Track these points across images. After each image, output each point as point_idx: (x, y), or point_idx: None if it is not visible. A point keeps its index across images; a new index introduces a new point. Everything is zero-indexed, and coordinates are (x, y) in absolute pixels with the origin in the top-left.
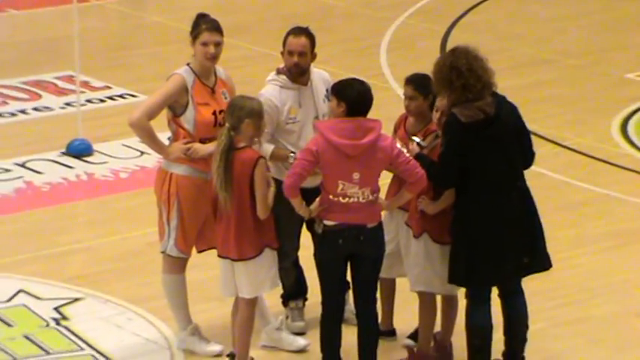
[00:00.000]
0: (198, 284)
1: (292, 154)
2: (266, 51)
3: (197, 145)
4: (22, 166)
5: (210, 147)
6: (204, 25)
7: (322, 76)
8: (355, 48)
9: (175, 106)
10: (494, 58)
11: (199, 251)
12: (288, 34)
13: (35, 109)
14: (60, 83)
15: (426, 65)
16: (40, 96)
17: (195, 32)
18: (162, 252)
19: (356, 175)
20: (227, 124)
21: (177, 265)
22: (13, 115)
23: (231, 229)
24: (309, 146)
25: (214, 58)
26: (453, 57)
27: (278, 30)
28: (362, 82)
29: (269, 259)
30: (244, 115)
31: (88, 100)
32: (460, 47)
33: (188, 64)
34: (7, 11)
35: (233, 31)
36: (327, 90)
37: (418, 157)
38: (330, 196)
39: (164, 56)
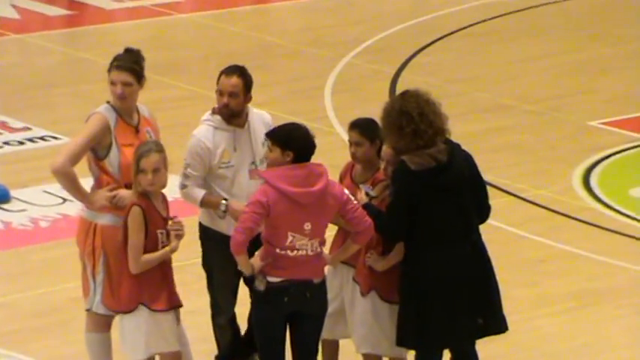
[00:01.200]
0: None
1: (224, 202)
2: (203, 91)
3: (123, 192)
4: None
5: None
6: (115, 62)
7: (263, 118)
8: (298, 89)
9: (97, 148)
10: (447, 102)
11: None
12: (222, 72)
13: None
14: None
15: (374, 108)
16: None
17: (108, 69)
18: (88, 310)
19: (307, 226)
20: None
21: (102, 322)
22: None
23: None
24: (257, 198)
25: (123, 97)
26: (403, 100)
27: (216, 69)
28: (302, 127)
29: (142, 319)
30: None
31: (6, 143)
32: (410, 91)
33: (108, 102)
34: None
35: (168, 70)
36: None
37: (366, 207)
38: (277, 250)
39: (90, 95)
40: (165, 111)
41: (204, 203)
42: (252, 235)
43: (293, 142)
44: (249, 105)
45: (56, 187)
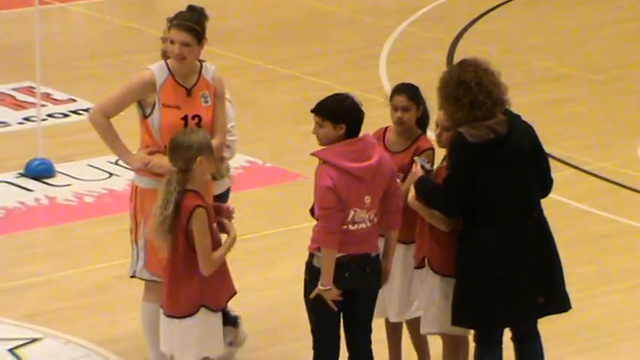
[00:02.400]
0: None
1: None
2: (253, 61)
3: (158, 159)
4: None
5: None
6: (175, 20)
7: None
8: (352, 59)
9: (144, 105)
10: (506, 72)
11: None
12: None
13: None
14: (18, 95)
15: (431, 79)
16: None
17: (168, 26)
18: (132, 276)
19: (367, 199)
20: (172, 168)
21: (153, 290)
22: None
23: (166, 280)
24: (324, 184)
25: (181, 58)
26: (460, 70)
27: (267, 38)
28: (349, 96)
29: (204, 321)
30: (194, 153)
31: (50, 115)
32: (468, 60)
33: (166, 60)
34: None
35: (218, 39)
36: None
37: (422, 180)
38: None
39: (136, 66)
40: None
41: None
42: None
43: (344, 114)
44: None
45: (102, 161)
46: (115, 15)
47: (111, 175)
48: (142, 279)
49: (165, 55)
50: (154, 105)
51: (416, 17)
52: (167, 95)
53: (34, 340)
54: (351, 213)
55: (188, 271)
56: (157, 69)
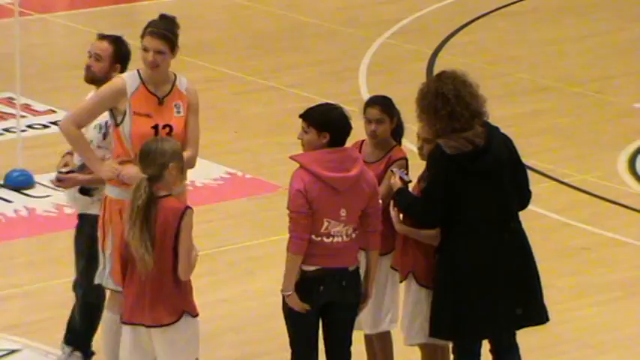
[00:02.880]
0: None
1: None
2: (232, 73)
3: (129, 169)
4: None
5: None
6: (149, 28)
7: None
8: (332, 70)
9: (115, 113)
10: (486, 84)
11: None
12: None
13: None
14: None
15: (411, 91)
16: None
17: (141, 34)
18: (98, 284)
19: (343, 212)
20: (142, 175)
21: (116, 300)
22: None
23: (147, 291)
24: (295, 187)
25: (154, 66)
26: (439, 82)
27: (247, 50)
28: (338, 107)
29: (189, 327)
30: (168, 160)
31: (30, 126)
32: (447, 72)
33: (138, 69)
34: None
35: (195, 50)
36: (106, 122)
37: (400, 192)
38: (313, 237)
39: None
40: None
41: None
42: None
43: (329, 123)
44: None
45: None
46: (94, 26)
47: None
48: (107, 288)
49: (88, 70)
50: (124, 113)
51: (396, 29)
52: (138, 103)
53: (12, 352)
54: (325, 223)
55: (174, 278)
56: (128, 77)
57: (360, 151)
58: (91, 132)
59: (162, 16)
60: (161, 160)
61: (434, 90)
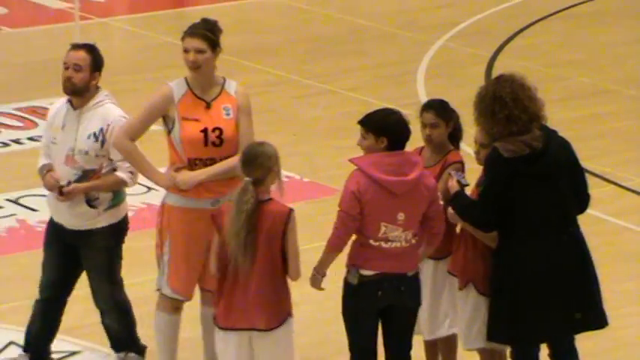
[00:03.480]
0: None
1: (64, 184)
2: (291, 76)
3: (183, 176)
4: (15, 202)
5: (200, 175)
6: (187, 29)
7: (107, 115)
8: (390, 74)
9: (166, 121)
10: (546, 88)
11: (204, 290)
12: (70, 47)
13: (30, 138)
14: None
15: (469, 94)
16: (35, 124)
17: (182, 37)
18: (157, 290)
19: (401, 216)
20: (247, 179)
21: (171, 304)
22: (5, 145)
23: (255, 295)
24: (349, 187)
25: (196, 66)
26: (497, 85)
27: (306, 53)
28: (396, 112)
29: (290, 328)
30: (273, 163)
31: None
32: (505, 75)
33: (185, 77)
34: (1, 29)
35: (255, 54)
36: (101, 129)
37: (457, 195)
38: (371, 241)
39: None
40: (252, 97)
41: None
42: (350, 235)
43: (387, 127)
44: (106, 98)
45: (140, 176)
46: (154, 30)
47: (149, 189)
48: (164, 295)
49: (69, 81)
50: (174, 120)
51: (455, 32)
52: (185, 108)
53: (73, 354)
54: (382, 228)
55: (282, 280)
56: (175, 84)
57: (419, 155)
58: (84, 142)
59: (204, 20)
60: (267, 164)
61: (491, 93)
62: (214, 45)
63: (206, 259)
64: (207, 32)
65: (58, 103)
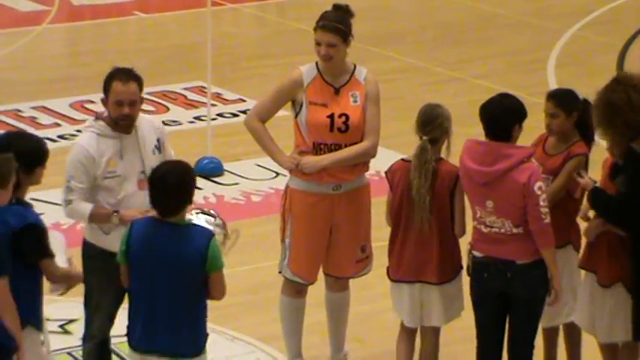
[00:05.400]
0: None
1: (116, 214)
2: (419, 63)
3: (307, 160)
4: None
5: (323, 160)
6: (320, 21)
7: (153, 123)
8: (520, 62)
9: (295, 104)
10: None
11: (326, 274)
12: (112, 78)
13: (162, 122)
14: (189, 95)
15: (600, 83)
16: (167, 108)
17: (314, 27)
18: (279, 272)
19: (489, 204)
20: (425, 137)
21: (293, 287)
22: None
23: (433, 249)
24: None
25: (328, 59)
26: (609, 91)
27: (434, 40)
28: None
29: (461, 282)
30: (449, 124)
31: (220, 115)
32: (620, 77)
33: (317, 61)
34: (134, 14)
35: (384, 40)
36: (157, 140)
37: (594, 191)
38: (475, 223)
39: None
40: (380, 84)
41: (93, 217)
42: None
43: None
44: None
45: (269, 161)
46: (284, 16)
47: (277, 174)
48: (285, 277)
49: (128, 119)
50: (302, 104)
51: (587, 20)
52: (314, 93)
53: None
54: (477, 212)
55: (454, 235)
56: (306, 69)
57: (545, 142)
58: (152, 159)
59: (335, 6)
60: (446, 125)
61: (605, 99)
62: (346, 37)
63: (328, 243)
64: (339, 25)
65: (84, 142)
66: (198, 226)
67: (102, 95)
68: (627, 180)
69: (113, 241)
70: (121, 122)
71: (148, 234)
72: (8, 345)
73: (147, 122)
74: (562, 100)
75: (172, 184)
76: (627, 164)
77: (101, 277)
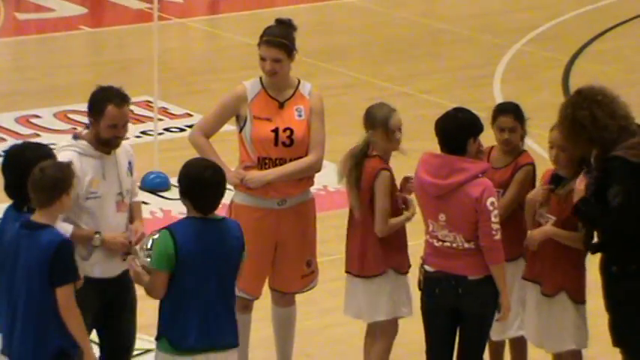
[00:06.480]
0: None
1: (98, 235)
2: (366, 78)
3: (252, 174)
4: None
5: (268, 175)
6: (264, 37)
7: (125, 147)
8: (466, 77)
9: (239, 119)
10: (624, 93)
11: (272, 289)
12: (106, 101)
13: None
14: (136, 109)
15: (545, 98)
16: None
17: (258, 43)
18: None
19: (442, 217)
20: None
21: (238, 302)
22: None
23: (357, 240)
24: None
25: (273, 74)
26: (573, 108)
27: (381, 55)
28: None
29: (391, 282)
30: (388, 121)
31: (166, 129)
32: (583, 92)
33: (260, 76)
34: (80, 29)
35: (330, 56)
36: (129, 163)
37: (583, 202)
38: (426, 236)
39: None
40: (327, 98)
41: (74, 238)
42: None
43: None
44: None
45: None
46: (231, 31)
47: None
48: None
49: (118, 140)
50: (246, 119)
51: (532, 35)
52: (258, 108)
53: (148, 351)
54: (430, 225)
55: (372, 233)
56: (249, 84)
57: (488, 156)
58: (126, 181)
59: (278, 21)
60: (382, 122)
61: (571, 117)
62: (290, 51)
63: (273, 258)
64: (284, 40)
65: (67, 161)
66: (225, 217)
67: (57, 109)
68: (620, 191)
69: (92, 266)
70: (113, 143)
71: (198, 232)
72: (71, 351)
73: (120, 145)
74: (518, 113)
75: (214, 181)
76: (617, 174)
77: (78, 303)
